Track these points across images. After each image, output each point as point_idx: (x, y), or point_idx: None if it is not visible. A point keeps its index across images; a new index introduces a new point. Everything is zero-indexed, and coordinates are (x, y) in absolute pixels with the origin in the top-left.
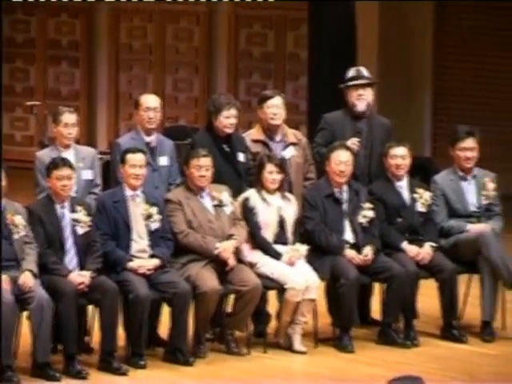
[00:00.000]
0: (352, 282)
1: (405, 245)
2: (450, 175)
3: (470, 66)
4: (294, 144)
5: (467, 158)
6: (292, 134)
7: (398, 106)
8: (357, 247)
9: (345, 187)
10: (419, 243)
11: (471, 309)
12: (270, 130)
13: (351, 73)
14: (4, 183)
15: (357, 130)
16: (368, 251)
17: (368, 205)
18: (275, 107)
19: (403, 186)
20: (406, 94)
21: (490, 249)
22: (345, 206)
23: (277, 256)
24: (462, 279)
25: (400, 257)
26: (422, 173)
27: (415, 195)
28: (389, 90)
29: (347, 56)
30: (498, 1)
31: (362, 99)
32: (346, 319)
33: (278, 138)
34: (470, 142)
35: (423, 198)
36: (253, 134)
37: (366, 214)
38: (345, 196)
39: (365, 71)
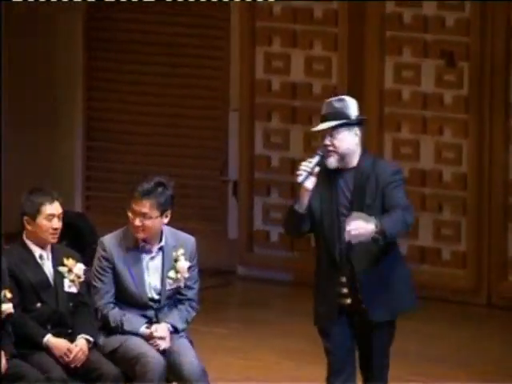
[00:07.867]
0: None
1: (49, 339)
2: (124, 240)
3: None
4: None
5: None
6: None
7: (39, 142)
8: None
9: None
10: (69, 337)
11: None
12: None
13: None
14: None
15: None
16: None
17: None
18: None
19: (45, 256)
20: (50, 129)
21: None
22: None
23: None
24: None
25: (41, 358)
26: (72, 235)
27: (62, 269)
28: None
29: None
30: None
31: None
32: None
33: None
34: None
35: (74, 273)
36: None
37: None
38: None
39: None
